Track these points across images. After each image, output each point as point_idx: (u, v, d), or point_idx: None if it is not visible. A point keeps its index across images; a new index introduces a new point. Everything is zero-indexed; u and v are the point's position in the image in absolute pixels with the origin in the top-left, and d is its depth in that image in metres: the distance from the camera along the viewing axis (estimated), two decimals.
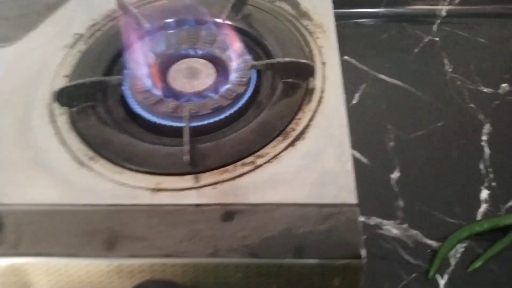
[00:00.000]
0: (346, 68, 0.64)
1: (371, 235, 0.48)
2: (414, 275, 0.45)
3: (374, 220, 0.49)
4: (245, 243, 0.33)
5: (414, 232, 0.48)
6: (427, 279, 0.44)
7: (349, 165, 0.37)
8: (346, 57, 0.65)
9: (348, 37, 0.69)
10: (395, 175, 0.52)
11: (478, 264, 0.45)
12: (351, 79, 0.63)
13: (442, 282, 0.44)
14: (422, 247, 0.47)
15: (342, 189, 0.36)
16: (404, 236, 0.47)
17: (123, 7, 0.48)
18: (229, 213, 0.34)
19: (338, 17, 0.71)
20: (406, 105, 0.60)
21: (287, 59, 0.43)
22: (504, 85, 0.62)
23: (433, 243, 0.47)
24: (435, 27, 0.70)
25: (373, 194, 0.51)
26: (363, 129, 0.57)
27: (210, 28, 0.48)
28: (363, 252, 0.32)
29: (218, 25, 0.48)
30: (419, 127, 0.57)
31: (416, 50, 0.67)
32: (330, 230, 0.33)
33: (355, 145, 0.55)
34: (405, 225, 0.48)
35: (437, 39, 0.69)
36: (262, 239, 0.33)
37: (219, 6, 0.51)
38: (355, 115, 0.59)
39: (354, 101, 0.60)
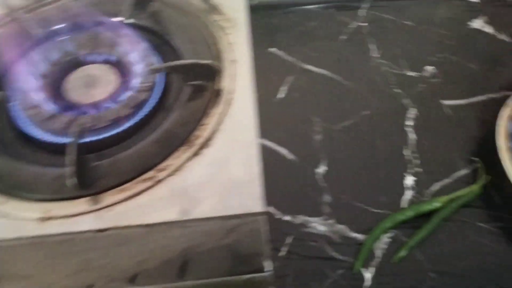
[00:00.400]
0: (272, 61, 0.63)
1: (298, 235, 0.46)
2: (340, 271, 0.44)
3: (300, 219, 0.48)
4: (142, 268, 0.30)
5: (341, 227, 0.47)
6: (353, 274, 0.44)
7: (256, 171, 0.35)
8: (272, 49, 0.63)
9: (276, 27, 0.67)
10: (322, 169, 0.51)
11: (402, 253, 0.45)
12: (278, 72, 0.61)
13: (368, 275, 0.44)
14: (349, 242, 0.46)
15: (248, 197, 0.34)
16: (331, 232, 0.47)
17: (10, 13, 0.44)
18: (125, 236, 0.32)
19: (267, 7, 0.70)
20: (333, 95, 0.59)
21: (188, 61, 0.40)
22: (429, 67, 0.62)
23: (359, 237, 0.46)
24: (362, 12, 0.69)
25: (300, 192, 0.50)
26: (290, 123, 0.56)
27: (110, 29, 0.45)
28: (267, 265, 0.31)
29: (118, 25, 0.45)
30: (346, 117, 0.56)
31: (343, 37, 0.66)
32: (233, 244, 0.31)
33: (281, 141, 0.54)
34: (331, 221, 0.47)
35: (364, 24, 0.68)
36: (161, 263, 0.31)
37: (120, 4, 0.47)
38: (281, 109, 0.58)
39: (281, 95, 0.58)
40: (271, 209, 0.48)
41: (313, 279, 0.44)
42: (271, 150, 0.53)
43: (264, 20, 0.69)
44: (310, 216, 0.48)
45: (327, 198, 0.49)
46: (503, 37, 0.66)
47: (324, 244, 0.46)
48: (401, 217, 0.47)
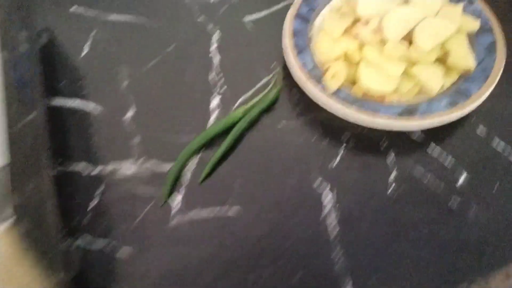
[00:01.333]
0: (74, 20, 0.61)
1: (109, 182, 0.47)
2: (148, 207, 0.45)
3: (111, 166, 0.48)
4: None
5: (151, 163, 0.48)
6: (161, 206, 0.45)
7: None
8: (73, 8, 0.61)
9: None
10: (131, 113, 0.51)
11: (205, 172, 0.46)
12: (81, 30, 0.59)
13: (175, 203, 0.46)
14: (159, 176, 0.47)
15: None
16: (141, 171, 0.47)
17: None
18: None
19: None
20: (138, 39, 0.58)
21: None
22: None
23: (168, 167, 0.48)
24: None
25: (110, 140, 0.50)
26: (96, 77, 0.55)
27: None
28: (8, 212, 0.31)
29: None
30: (152, 57, 0.56)
31: None
32: None
33: (89, 97, 0.53)
34: (142, 159, 0.48)
35: None
36: None
37: None
38: (86, 66, 0.56)
39: (84, 52, 0.57)
40: (82, 164, 0.48)
41: (124, 220, 0.45)
42: (78, 108, 0.52)
43: None
44: (121, 160, 0.48)
45: (136, 139, 0.49)
46: None
47: (135, 184, 0.47)
48: (205, 137, 0.48)
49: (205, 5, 0.60)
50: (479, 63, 0.48)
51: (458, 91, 0.47)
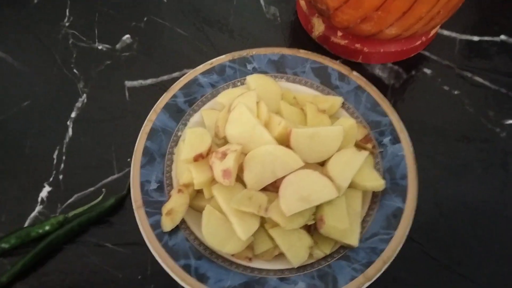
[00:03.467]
0: None
1: None
2: None
3: None
4: None
5: None
6: None
7: None
8: None
9: None
10: None
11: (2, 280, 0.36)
12: None
13: None
14: None
15: None
16: None
17: None
18: None
19: None
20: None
21: None
22: (125, 37, 0.50)
23: None
24: None
25: None
26: None
27: None
28: None
29: None
30: (1, 111, 0.46)
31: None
32: None
33: None
34: None
35: None
36: None
37: None
38: None
39: None
40: None
41: None
42: None
43: None
44: None
45: None
46: None
47: None
48: (4, 244, 0.39)
49: (89, 53, 0.49)
50: (367, 238, 0.35)
51: (323, 273, 0.34)
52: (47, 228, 0.38)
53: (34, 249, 0.37)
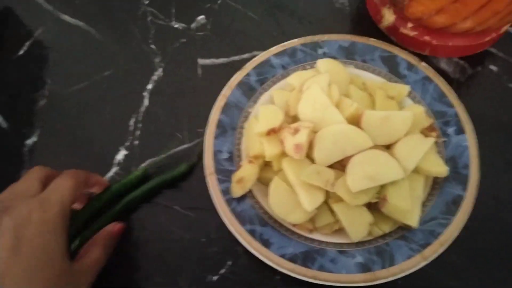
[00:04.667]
0: (30, 9, 0.55)
1: None
2: None
3: None
4: None
5: None
6: None
7: None
8: None
9: None
10: (32, 140, 0.46)
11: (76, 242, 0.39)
12: (31, 21, 0.54)
13: None
14: None
15: None
16: None
17: None
18: None
19: None
20: (79, 52, 0.51)
21: None
22: (200, 17, 0.53)
23: None
24: None
25: (2, 163, 0.46)
26: (19, 87, 0.50)
27: None
28: None
29: None
30: (83, 78, 0.49)
31: None
32: None
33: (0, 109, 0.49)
34: None
35: None
36: None
37: None
38: (15, 71, 0.51)
39: (21, 52, 0.52)
40: None
41: None
42: None
43: None
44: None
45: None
46: None
47: None
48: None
49: (165, 31, 0.52)
50: (426, 221, 0.37)
51: (381, 250, 0.36)
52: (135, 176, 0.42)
53: (114, 207, 0.41)
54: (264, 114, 0.39)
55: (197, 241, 0.41)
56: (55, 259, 0.32)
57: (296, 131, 0.36)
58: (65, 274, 0.32)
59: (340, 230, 0.38)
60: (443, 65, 0.47)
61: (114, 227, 0.39)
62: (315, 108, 0.37)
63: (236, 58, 0.49)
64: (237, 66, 0.46)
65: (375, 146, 0.36)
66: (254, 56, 0.45)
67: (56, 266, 0.32)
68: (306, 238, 0.38)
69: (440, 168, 0.37)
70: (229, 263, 0.40)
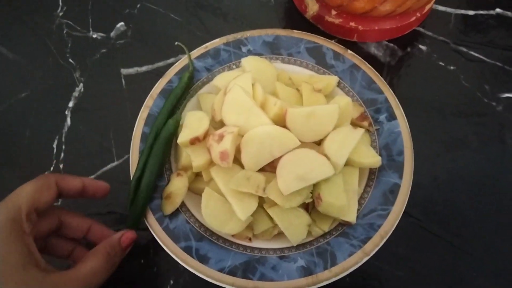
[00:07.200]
0: None
1: None
2: None
3: None
4: None
5: None
6: None
7: None
8: None
9: None
10: None
11: None
12: None
13: None
14: None
15: None
16: None
17: None
18: None
19: None
20: None
21: None
22: (119, 24, 0.50)
23: None
24: None
25: None
26: None
27: None
28: None
29: None
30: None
31: None
32: None
33: None
34: None
35: None
36: None
37: None
38: None
39: None
40: None
41: None
42: None
43: None
44: None
45: None
46: None
47: None
48: None
49: (78, 43, 0.48)
50: (366, 214, 0.36)
51: (322, 250, 0.35)
52: None
53: None
54: (189, 121, 0.37)
55: (138, 263, 0.38)
56: (10, 269, 0.27)
57: (221, 137, 0.34)
58: (30, 286, 0.27)
59: (281, 235, 0.36)
60: (373, 49, 0.47)
61: (124, 235, 0.34)
62: (239, 111, 0.35)
63: (161, 64, 0.47)
64: (163, 72, 0.43)
65: (304, 144, 0.34)
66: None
67: (15, 277, 0.27)
68: (246, 247, 0.36)
69: (373, 159, 0.36)
70: (171, 282, 0.38)
